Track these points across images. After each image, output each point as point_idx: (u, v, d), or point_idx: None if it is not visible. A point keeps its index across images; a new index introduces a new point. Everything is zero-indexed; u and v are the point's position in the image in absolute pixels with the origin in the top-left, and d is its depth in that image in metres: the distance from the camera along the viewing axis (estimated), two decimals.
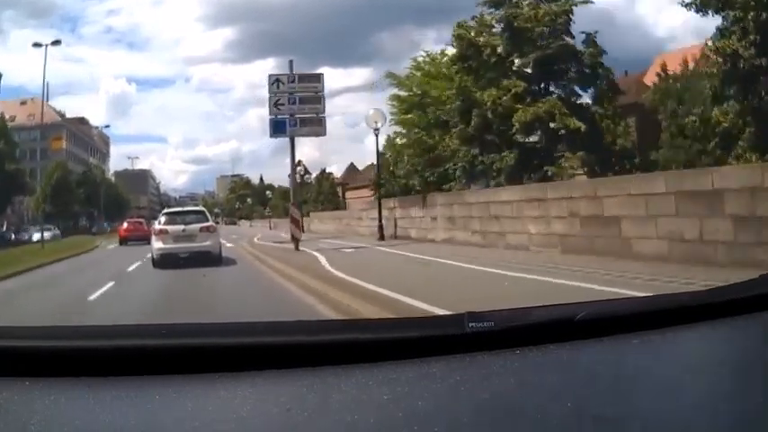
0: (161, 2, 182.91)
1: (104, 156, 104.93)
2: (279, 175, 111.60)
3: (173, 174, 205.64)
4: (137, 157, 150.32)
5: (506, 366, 1.06)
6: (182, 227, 14.65)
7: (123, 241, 30.43)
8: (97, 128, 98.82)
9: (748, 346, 1.19)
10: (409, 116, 41.35)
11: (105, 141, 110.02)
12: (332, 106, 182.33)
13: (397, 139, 43.37)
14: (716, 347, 1.21)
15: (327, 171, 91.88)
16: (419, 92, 43.26)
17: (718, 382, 1.02)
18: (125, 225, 33.57)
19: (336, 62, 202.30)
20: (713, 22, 18.35)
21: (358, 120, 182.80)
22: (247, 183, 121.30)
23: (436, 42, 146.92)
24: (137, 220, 36.85)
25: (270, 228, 52.22)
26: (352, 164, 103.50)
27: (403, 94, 44.06)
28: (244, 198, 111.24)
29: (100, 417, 0.90)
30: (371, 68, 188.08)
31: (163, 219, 15.51)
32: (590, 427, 0.87)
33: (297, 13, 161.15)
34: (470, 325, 1.09)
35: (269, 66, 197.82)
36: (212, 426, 0.88)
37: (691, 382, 1.03)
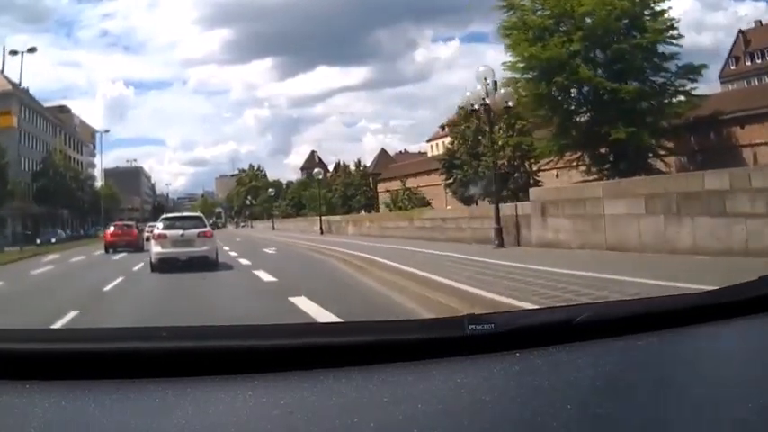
0: (156, 5, 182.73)
1: (85, 148, 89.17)
2: (280, 176, 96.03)
3: (171, 176, 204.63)
4: (107, 131, 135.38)
5: (506, 369, 1.05)
6: (180, 232, 14.86)
7: (109, 248, 26.33)
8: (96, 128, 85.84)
9: (748, 348, 1.18)
10: (537, 48, 26.90)
11: (91, 134, 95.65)
12: (329, 106, 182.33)
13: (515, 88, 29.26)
14: (716, 349, 1.19)
15: (343, 162, 78.48)
16: (548, 12, 28.61)
17: (719, 384, 1.01)
18: (111, 229, 28.50)
19: (333, 61, 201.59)
20: None
21: (355, 119, 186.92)
22: (258, 173, 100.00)
23: (433, 41, 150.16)
24: (125, 223, 31.53)
25: (321, 232, 34.91)
26: (383, 150, 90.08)
27: (524, 18, 29.75)
28: (256, 191, 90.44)
29: (100, 420, 0.90)
30: (369, 67, 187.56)
31: (161, 224, 15.81)
32: (590, 429, 0.87)
33: (293, 13, 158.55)
34: (470, 327, 1.09)
35: (266, 66, 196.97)
36: (213, 429, 0.88)
37: (691, 385, 1.02)
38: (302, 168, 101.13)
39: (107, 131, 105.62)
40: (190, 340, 1.11)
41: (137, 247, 26.14)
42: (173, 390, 0.97)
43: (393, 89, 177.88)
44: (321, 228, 36.08)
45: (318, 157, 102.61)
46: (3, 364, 1.02)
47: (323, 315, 7.10)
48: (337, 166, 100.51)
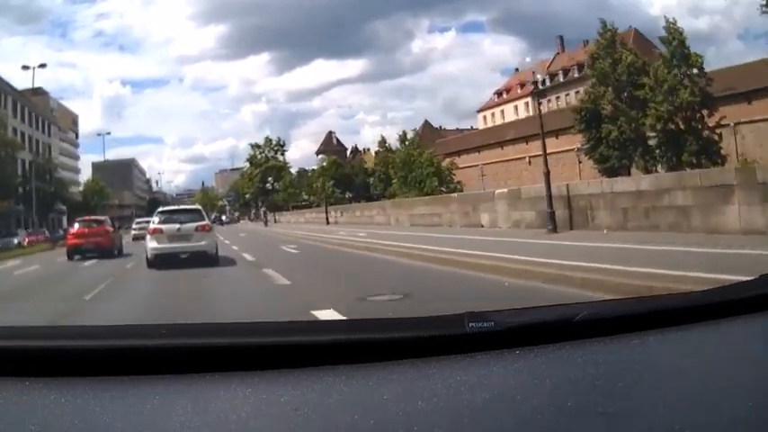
0: (150, 2, 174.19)
1: (60, 134, 75.14)
2: None
3: (170, 174, 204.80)
4: (108, 133, 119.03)
5: (506, 366, 1.06)
6: (177, 226, 14.15)
7: (73, 253, 19.29)
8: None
9: (748, 346, 1.18)
10: None
11: (72, 120, 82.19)
12: (326, 99, 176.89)
13: None
14: (715, 348, 1.19)
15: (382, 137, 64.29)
16: None
17: (718, 382, 1.01)
18: (75, 227, 20.51)
19: (330, 54, 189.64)
20: None
21: (353, 112, 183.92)
22: (279, 148, 72.05)
23: (429, 31, 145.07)
24: (95, 218, 22.88)
25: (553, 227, 14.06)
26: (426, 122, 76.84)
27: None
28: (278, 173, 67.50)
29: (100, 417, 0.90)
30: (365, 59, 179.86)
31: (157, 218, 14.95)
32: (590, 427, 0.87)
33: (288, 6, 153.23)
34: (470, 325, 1.09)
35: (263, 60, 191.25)
36: (212, 426, 0.88)
37: (690, 383, 1.02)
38: (318, 152, 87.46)
39: (108, 133, 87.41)
40: (189, 337, 1.11)
41: (110, 250, 19.58)
42: (173, 387, 0.98)
43: (390, 81, 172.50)
44: (570, 218, 14.69)
45: (336, 138, 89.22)
46: (3, 361, 1.02)
47: None
48: (354, 149, 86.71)
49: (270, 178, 66.93)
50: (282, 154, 72.01)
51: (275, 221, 53.02)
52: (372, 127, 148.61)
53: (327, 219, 36.23)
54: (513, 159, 46.86)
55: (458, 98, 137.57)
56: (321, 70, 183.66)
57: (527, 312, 1.24)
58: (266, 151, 71.19)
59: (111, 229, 20.86)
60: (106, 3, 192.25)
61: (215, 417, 0.90)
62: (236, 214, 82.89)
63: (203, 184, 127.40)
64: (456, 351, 1.07)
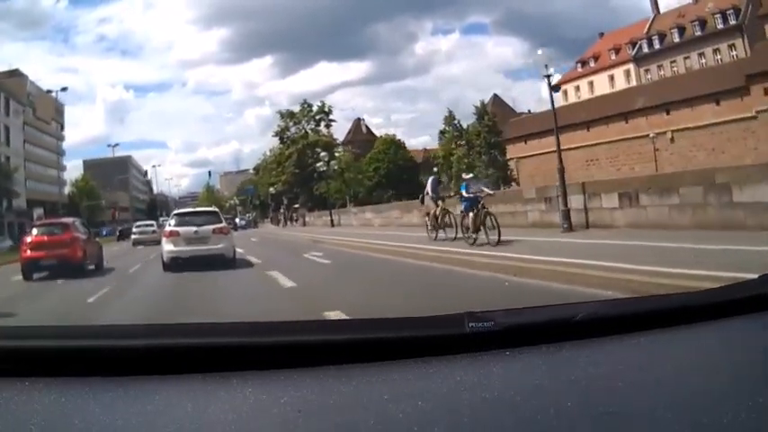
0: (152, 7, 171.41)
1: (38, 123, 62.37)
2: None
3: (175, 178, 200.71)
4: (64, 88, 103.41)
5: (506, 366, 1.06)
6: (194, 229, 13.81)
7: (31, 270, 14.04)
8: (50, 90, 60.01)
9: (748, 346, 1.17)
10: None
11: (56, 109, 69.80)
12: (330, 102, 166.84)
13: None
14: (715, 348, 1.18)
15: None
16: None
17: (718, 383, 1.01)
18: (33, 234, 14.80)
19: (333, 57, 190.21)
20: None
21: (357, 114, 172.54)
22: (324, 114, 50.13)
23: (433, 33, 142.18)
24: (60, 221, 16.61)
25: None
26: (496, 96, 64.56)
27: None
28: (330, 150, 47.31)
29: (100, 417, 0.90)
30: (369, 62, 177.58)
31: (173, 221, 14.58)
32: (590, 427, 0.88)
33: (291, 9, 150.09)
34: (470, 325, 1.09)
35: (266, 64, 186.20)
36: (213, 426, 0.89)
37: (691, 383, 1.02)
38: (345, 142, 74.99)
39: (64, 89, 74.57)
40: (190, 337, 1.11)
41: (81, 264, 14.06)
42: (173, 387, 0.98)
43: (393, 83, 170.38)
44: None
45: (366, 126, 77.01)
46: (3, 360, 1.02)
47: None
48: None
49: (324, 155, 45.99)
50: (328, 126, 49.51)
51: (332, 224, 34.72)
52: (377, 129, 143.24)
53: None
54: (638, 137, 34.96)
55: (461, 100, 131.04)
56: (324, 73, 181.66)
57: (527, 312, 1.24)
58: (303, 122, 49.27)
59: (82, 235, 15.02)
60: (108, 8, 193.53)
61: (215, 417, 0.90)
62: (253, 215, 69.74)
63: (210, 174, 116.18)
64: (456, 351, 1.06)
